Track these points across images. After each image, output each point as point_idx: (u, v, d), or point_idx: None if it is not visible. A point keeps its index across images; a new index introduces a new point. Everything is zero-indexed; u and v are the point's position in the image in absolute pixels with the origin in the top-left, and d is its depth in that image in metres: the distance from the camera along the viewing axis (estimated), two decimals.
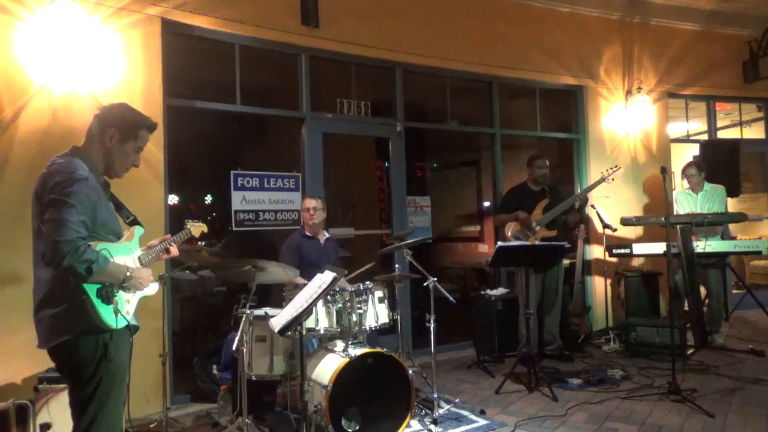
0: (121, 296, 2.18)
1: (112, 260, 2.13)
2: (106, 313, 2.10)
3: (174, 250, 2.58)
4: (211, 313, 6.01)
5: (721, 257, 5.71)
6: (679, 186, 6.54)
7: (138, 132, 2.31)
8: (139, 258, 2.37)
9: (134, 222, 2.42)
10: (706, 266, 5.59)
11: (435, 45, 5.62)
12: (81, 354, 2.10)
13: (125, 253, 2.28)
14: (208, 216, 9.94)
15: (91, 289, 2.07)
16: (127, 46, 4.11)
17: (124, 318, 2.17)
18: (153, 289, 2.39)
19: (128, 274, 2.17)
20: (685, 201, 5.83)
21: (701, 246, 5.40)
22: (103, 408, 2.13)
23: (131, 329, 2.25)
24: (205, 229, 3.01)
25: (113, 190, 2.38)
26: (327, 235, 4.45)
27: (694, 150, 7.04)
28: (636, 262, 6.51)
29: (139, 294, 2.31)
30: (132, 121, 2.30)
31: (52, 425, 3.21)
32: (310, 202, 4.32)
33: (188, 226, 2.92)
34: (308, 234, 4.36)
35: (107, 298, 2.10)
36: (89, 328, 2.09)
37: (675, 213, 5.75)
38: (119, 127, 2.26)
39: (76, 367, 2.12)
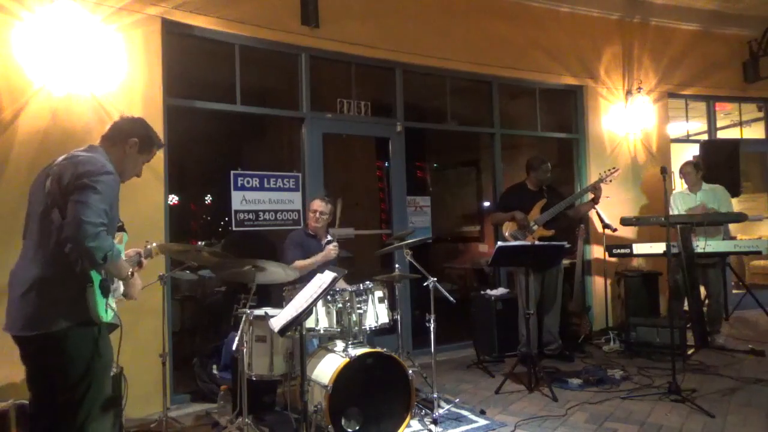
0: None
1: (122, 256, 2.18)
2: (101, 305, 2.10)
3: (144, 264, 2.59)
4: (211, 313, 6.01)
5: (721, 257, 5.71)
6: (679, 186, 6.54)
7: (152, 148, 2.48)
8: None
9: (121, 228, 2.47)
10: (706, 266, 5.58)
11: (435, 45, 5.61)
12: (72, 348, 2.04)
13: None
14: (208, 216, 9.95)
15: (96, 278, 2.07)
16: (127, 46, 4.11)
17: (113, 311, 2.19)
18: (122, 290, 2.43)
19: (130, 273, 2.24)
20: (682, 202, 5.81)
21: (701, 246, 5.40)
22: (94, 409, 2.08)
23: (112, 327, 2.26)
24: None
25: None
26: (328, 237, 4.46)
27: (694, 150, 7.03)
28: (636, 262, 6.50)
29: (118, 295, 2.35)
30: (151, 137, 2.47)
31: None
32: (319, 205, 4.31)
33: (150, 246, 2.81)
34: (311, 233, 4.38)
35: (107, 291, 2.12)
36: (84, 320, 2.05)
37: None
38: (141, 139, 2.40)
39: (65, 362, 2.04)
